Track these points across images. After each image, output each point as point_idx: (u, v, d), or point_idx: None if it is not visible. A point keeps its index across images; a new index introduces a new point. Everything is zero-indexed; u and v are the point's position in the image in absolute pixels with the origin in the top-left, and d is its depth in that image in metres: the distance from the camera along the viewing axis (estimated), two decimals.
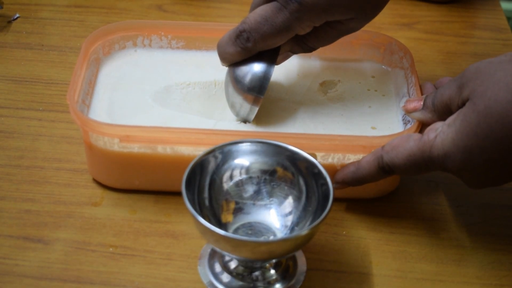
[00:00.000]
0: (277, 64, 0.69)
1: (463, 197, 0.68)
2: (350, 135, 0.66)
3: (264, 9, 0.64)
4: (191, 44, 0.76)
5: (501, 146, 0.55)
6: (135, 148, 0.64)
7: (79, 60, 0.69)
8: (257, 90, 0.66)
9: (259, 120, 0.69)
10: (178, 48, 0.76)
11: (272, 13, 0.63)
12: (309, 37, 0.67)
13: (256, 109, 0.67)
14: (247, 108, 0.67)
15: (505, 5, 1.18)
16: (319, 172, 0.58)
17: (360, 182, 0.63)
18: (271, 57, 0.66)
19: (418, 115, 0.63)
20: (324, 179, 0.57)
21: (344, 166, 0.64)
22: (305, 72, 0.76)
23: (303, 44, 0.68)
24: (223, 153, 0.60)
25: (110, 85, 0.72)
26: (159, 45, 0.76)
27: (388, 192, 0.68)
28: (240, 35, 0.65)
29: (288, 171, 0.60)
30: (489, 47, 0.89)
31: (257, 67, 0.66)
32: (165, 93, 0.71)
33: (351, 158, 0.64)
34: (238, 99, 0.67)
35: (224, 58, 0.67)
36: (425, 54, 0.87)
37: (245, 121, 0.68)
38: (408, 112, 0.63)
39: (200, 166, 0.58)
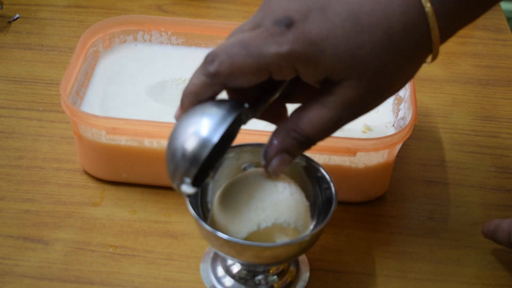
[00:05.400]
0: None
1: (463, 197, 0.68)
2: (335, 137, 0.64)
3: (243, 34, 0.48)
4: (191, 41, 0.76)
5: None
6: (122, 140, 0.64)
7: (76, 52, 0.69)
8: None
9: (255, 122, 0.69)
10: (177, 44, 0.77)
11: (252, 37, 0.47)
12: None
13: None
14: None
15: (505, 5, 1.18)
16: (323, 176, 0.57)
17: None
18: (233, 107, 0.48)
19: None
20: (328, 183, 0.57)
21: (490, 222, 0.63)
22: None
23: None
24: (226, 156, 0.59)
25: (106, 78, 0.72)
26: (159, 41, 0.77)
27: (386, 192, 0.68)
28: (206, 59, 0.48)
29: (291, 174, 0.60)
30: (488, 47, 0.89)
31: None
32: (160, 88, 0.72)
33: (336, 159, 0.63)
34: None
35: (184, 96, 0.49)
36: None
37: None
38: None
39: None
